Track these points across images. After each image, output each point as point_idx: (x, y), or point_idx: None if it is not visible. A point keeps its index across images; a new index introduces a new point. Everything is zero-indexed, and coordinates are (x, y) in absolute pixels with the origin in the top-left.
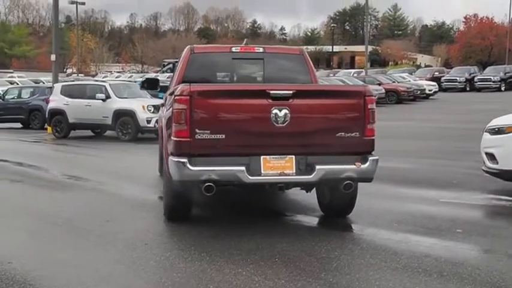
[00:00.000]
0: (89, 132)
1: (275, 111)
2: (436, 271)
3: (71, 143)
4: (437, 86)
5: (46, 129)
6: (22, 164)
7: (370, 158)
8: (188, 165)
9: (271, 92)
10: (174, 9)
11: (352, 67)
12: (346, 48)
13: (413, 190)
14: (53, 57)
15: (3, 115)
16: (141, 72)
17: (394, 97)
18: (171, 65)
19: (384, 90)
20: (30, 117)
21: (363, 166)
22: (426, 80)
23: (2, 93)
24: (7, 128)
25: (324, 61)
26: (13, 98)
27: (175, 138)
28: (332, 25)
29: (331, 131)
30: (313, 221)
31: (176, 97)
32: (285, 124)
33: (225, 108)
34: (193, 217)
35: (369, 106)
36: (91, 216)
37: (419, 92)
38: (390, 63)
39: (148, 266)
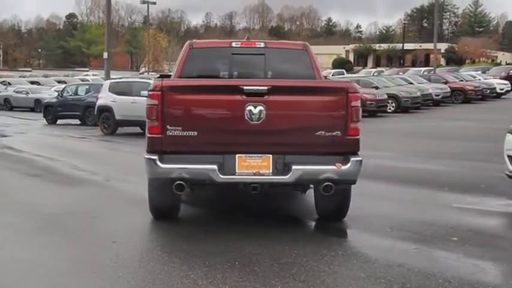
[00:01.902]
0: (138, 129)
1: (249, 107)
2: (399, 282)
3: (115, 140)
4: (509, 85)
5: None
6: (52, 159)
7: (352, 159)
8: (158, 162)
9: (245, 87)
10: (248, 8)
11: (427, 65)
12: (420, 46)
13: (430, 194)
14: (105, 55)
15: (61, 112)
16: None
17: (461, 96)
18: None
19: (449, 89)
20: (85, 113)
21: (343, 167)
22: (500, 78)
23: (60, 90)
24: (65, 124)
25: (397, 59)
26: (70, 95)
27: (147, 135)
28: (404, 22)
29: (310, 129)
30: (302, 224)
31: (149, 92)
32: (260, 121)
33: (197, 105)
34: (183, 216)
35: (353, 104)
36: (80, 213)
37: (488, 91)
38: (467, 61)
39: (103, 264)
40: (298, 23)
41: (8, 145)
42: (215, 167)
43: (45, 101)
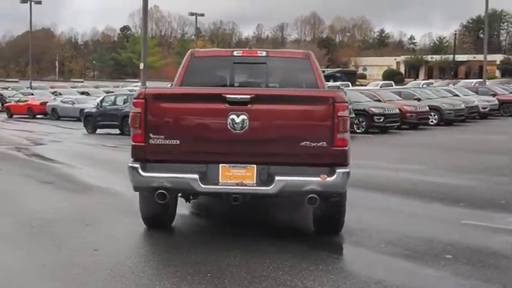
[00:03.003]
0: None
1: (232, 116)
2: None
3: None
4: None
5: None
6: (73, 167)
7: (338, 171)
8: (140, 170)
9: (228, 96)
10: (300, 19)
11: (481, 77)
12: (474, 58)
13: (441, 209)
14: (141, 65)
15: (100, 121)
16: None
17: (510, 109)
18: None
19: (497, 102)
20: (123, 123)
21: (329, 179)
22: None
23: (99, 101)
24: (104, 134)
25: (450, 71)
26: (109, 105)
27: (131, 143)
28: (455, 33)
29: (295, 139)
30: (294, 237)
31: (133, 100)
32: (243, 131)
33: (180, 113)
34: (178, 226)
35: (339, 113)
36: (76, 220)
37: None
38: None
39: (73, 272)
40: (348, 34)
41: (38, 153)
42: (196, 176)
43: (85, 110)
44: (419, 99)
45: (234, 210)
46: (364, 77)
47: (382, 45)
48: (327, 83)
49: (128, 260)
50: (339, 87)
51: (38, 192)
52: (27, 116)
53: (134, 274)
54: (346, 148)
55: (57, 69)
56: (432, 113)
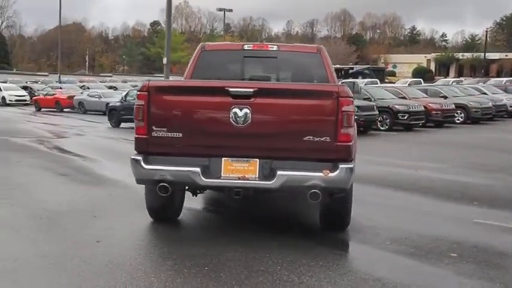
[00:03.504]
0: None
1: (235, 110)
2: None
3: None
4: None
5: None
6: (90, 160)
7: (341, 166)
8: (142, 163)
9: (231, 89)
10: (330, 15)
11: None
12: (506, 56)
13: (455, 207)
14: (164, 60)
15: (124, 115)
16: None
17: None
18: None
19: None
20: None
21: (331, 174)
22: None
23: (124, 95)
24: (128, 128)
25: (481, 69)
26: (133, 99)
27: (135, 135)
28: (486, 30)
29: (298, 134)
30: (300, 233)
31: (137, 93)
32: (245, 124)
33: (183, 106)
34: (185, 219)
35: (344, 108)
36: (84, 211)
37: None
38: None
39: (72, 262)
40: (378, 31)
41: (59, 146)
42: (198, 169)
43: (110, 104)
44: (445, 97)
45: (242, 205)
46: (393, 74)
47: (413, 42)
48: (355, 80)
49: (128, 252)
50: (354, 83)
51: (53, 184)
52: (55, 110)
53: (132, 266)
54: (350, 143)
55: (87, 63)
56: (458, 111)
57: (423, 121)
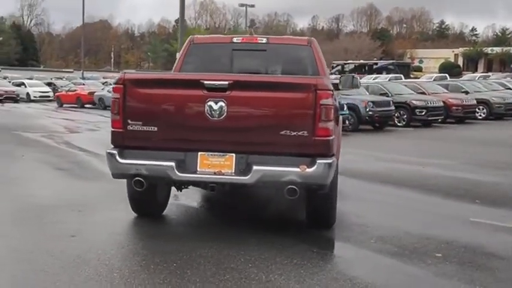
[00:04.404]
0: None
1: (210, 103)
2: None
3: None
4: None
5: None
6: (95, 155)
7: (319, 161)
8: (117, 157)
9: (206, 82)
10: (356, 10)
11: None
12: None
13: (454, 205)
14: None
15: None
16: None
17: None
18: (339, 67)
19: None
20: None
21: (308, 170)
22: None
23: None
24: None
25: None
26: None
27: (111, 129)
28: None
29: (275, 128)
30: (282, 230)
31: (112, 86)
32: (221, 118)
33: (158, 99)
34: (168, 214)
35: (322, 102)
36: (69, 206)
37: None
38: None
39: (40, 257)
40: (405, 25)
41: (68, 141)
42: (173, 164)
43: None
44: (467, 92)
45: (232, 201)
46: (420, 69)
47: (441, 37)
48: (379, 75)
49: (99, 247)
50: (353, 77)
51: (48, 178)
52: (76, 105)
53: (99, 261)
54: (329, 138)
55: (112, 60)
56: (480, 107)
57: (442, 117)
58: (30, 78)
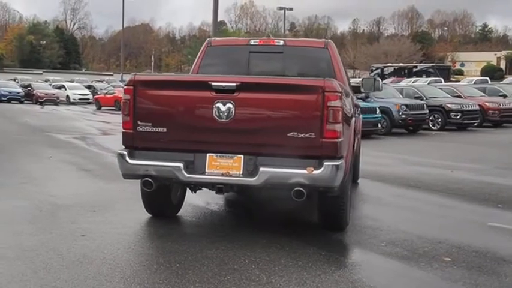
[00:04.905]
0: None
1: (218, 105)
2: None
3: None
4: None
5: None
6: None
7: (326, 163)
8: (127, 158)
9: (213, 84)
10: (397, 13)
11: None
12: None
13: (475, 210)
14: None
15: None
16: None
17: None
18: (378, 70)
19: None
20: None
21: (315, 172)
22: None
23: None
24: None
25: None
26: None
27: (122, 130)
28: None
29: (282, 129)
30: (293, 231)
31: (124, 87)
32: (228, 119)
33: (167, 100)
34: (183, 215)
35: (330, 103)
36: (85, 206)
37: None
38: None
39: (47, 255)
40: (445, 28)
41: (99, 142)
42: (181, 165)
43: None
44: (505, 96)
45: (247, 202)
46: (461, 73)
47: (484, 40)
48: (418, 78)
49: (106, 247)
50: (375, 79)
51: (70, 179)
52: (113, 108)
53: (103, 261)
54: (336, 140)
55: (152, 63)
56: None
57: (478, 121)
58: (71, 81)
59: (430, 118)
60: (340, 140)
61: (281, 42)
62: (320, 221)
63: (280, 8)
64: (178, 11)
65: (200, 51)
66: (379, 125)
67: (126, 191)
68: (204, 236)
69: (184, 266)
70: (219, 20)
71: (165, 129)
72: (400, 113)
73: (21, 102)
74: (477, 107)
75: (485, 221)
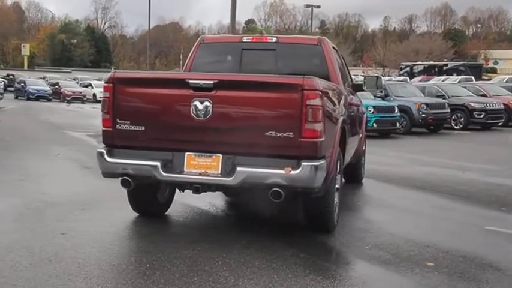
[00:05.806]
0: None
1: (195, 103)
2: None
3: None
4: None
5: None
6: None
7: (304, 164)
8: (105, 156)
9: (191, 81)
10: (430, 10)
11: None
12: None
13: (476, 212)
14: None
15: None
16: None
17: None
18: (408, 69)
19: None
20: None
21: (293, 172)
22: None
23: None
24: None
25: None
26: None
27: (102, 128)
28: None
29: (260, 128)
30: (277, 234)
31: (103, 84)
32: (206, 118)
33: (145, 98)
34: (171, 214)
35: (309, 102)
36: (75, 204)
37: None
38: None
39: (20, 253)
40: (479, 25)
41: None
42: (158, 164)
43: None
44: None
45: (242, 202)
46: (494, 71)
47: None
48: (448, 76)
49: (82, 246)
50: (377, 77)
51: (70, 176)
52: None
53: (73, 260)
54: (316, 140)
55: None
56: None
57: (502, 120)
58: (99, 80)
59: (453, 117)
60: (320, 139)
61: (274, 39)
62: (306, 222)
63: (308, 6)
64: (208, 10)
65: (193, 49)
66: (398, 124)
67: (122, 190)
68: (185, 236)
69: (154, 267)
70: (248, 18)
71: (143, 128)
72: (420, 112)
73: (49, 100)
74: (502, 106)
75: (484, 224)
